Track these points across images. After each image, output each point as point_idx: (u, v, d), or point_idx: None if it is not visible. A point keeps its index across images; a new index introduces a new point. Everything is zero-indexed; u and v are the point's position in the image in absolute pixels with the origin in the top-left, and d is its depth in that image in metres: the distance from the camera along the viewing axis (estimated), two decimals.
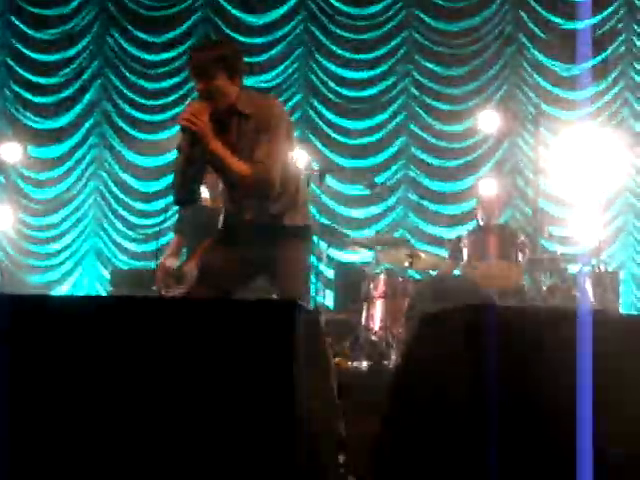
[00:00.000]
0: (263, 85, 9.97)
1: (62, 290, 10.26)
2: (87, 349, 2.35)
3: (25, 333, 2.38)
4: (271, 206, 3.79)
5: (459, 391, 2.05)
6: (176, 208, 10.14)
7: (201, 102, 3.66)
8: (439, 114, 10.00)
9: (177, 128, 3.79)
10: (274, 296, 3.84)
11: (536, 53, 9.89)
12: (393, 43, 10.17)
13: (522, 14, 9.95)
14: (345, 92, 10.19)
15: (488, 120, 8.02)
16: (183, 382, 2.29)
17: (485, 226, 6.94)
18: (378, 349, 6.48)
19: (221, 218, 3.97)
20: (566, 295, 6.57)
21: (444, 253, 7.48)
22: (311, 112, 10.26)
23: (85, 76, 10.68)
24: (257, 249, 3.78)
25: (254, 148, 3.66)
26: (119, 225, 10.49)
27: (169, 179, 10.61)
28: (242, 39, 10.13)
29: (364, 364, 6.30)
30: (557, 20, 9.83)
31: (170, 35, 10.52)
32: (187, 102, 3.69)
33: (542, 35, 9.88)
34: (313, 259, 7.32)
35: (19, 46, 10.76)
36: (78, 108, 10.66)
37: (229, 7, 10.42)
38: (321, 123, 10.20)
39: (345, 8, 10.26)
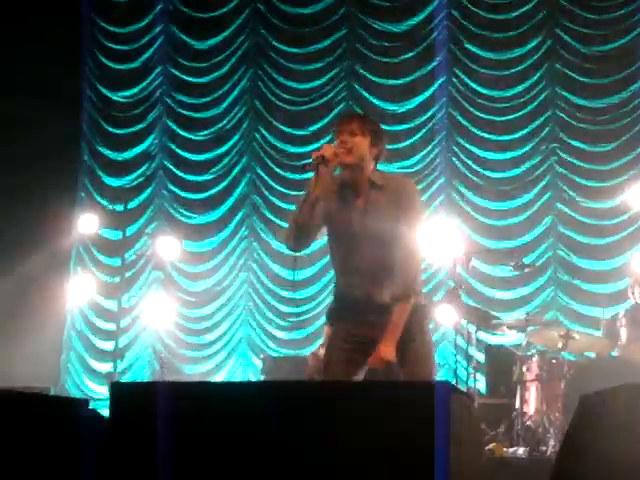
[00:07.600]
0: (405, 171, 10.05)
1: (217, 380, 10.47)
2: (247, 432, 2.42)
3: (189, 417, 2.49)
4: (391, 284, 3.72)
5: (624, 469, 1.98)
6: (324, 296, 10.41)
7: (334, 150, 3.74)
8: (587, 191, 9.80)
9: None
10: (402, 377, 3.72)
11: None
12: (537, 123, 10.10)
13: None
14: (489, 174, 10.15)
15: (638, 195, 7.80)
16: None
17: None
18: (535, 435, 6.27)
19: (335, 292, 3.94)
20: None
21: (598, 333, 7.23)
22: (455, 195, 10.26)
23: (235, 172, 11.13)
24: (376, 328, 3.69)
25: (389, 224, 3.72)
26: (269, 314, 10.71)
27: (317, 267, 10.76)
28: (385, 127, 10.27)
29: (521, 451, 6.09)
30: None
31: (314, 127, 10.84)
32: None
33: None
34: (463, 343, 7.23)
35: (175, 148, 11.36)
36: (229, 202, 11.09)
37: (371, 97, 10.66)
38: (465, 206, 10.16)
39: (486, 91, 10.30)
